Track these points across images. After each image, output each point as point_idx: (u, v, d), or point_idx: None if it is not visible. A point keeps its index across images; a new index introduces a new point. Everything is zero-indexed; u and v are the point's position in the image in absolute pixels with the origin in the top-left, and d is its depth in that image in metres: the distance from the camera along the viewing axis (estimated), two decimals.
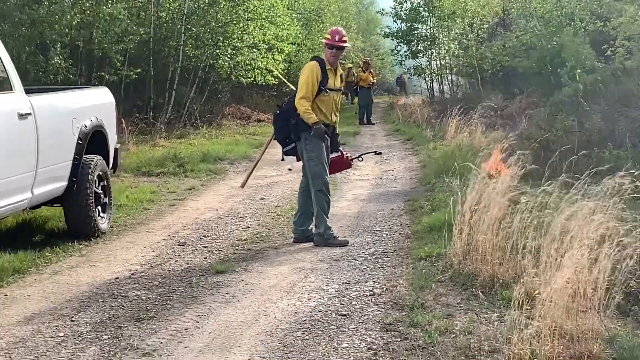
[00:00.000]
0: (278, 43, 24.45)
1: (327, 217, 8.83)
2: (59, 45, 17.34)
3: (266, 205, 11.47)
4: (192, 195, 12.44)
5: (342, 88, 9.31)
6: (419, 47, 33.99)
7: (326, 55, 8.76)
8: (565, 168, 8.00)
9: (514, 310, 5.13)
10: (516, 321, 5.04)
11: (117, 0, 18.14)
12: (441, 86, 34.75)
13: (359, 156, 10.32)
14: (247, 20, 22.61)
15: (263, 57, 23.90)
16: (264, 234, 9.45)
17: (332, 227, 8.90)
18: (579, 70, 16.61)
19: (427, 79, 34.79)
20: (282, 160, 9.60)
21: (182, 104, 22.21)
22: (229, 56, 22.16)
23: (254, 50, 23.38)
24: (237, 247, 8.80)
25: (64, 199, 9.02)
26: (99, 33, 18.16)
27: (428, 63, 34.56)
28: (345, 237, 9.04)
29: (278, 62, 24.53)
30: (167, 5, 22.36)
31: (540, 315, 5.05)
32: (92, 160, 9.25)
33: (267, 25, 23.64)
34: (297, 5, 31.37)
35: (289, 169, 9.42)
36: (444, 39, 33.50)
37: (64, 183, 8.86)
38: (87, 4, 17.41)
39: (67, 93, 9.87)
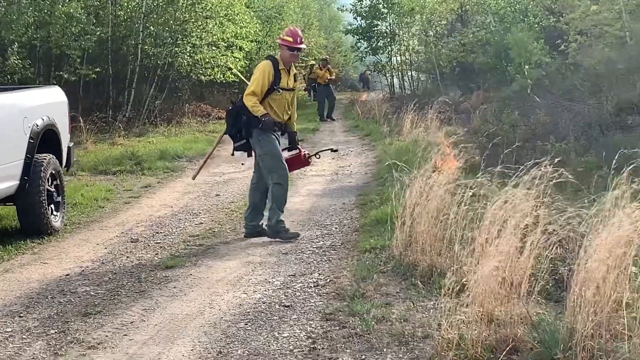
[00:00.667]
0: (237, 41, 24.51)
1: (282, 212, 8.88)
2: (15, 45, 17.32)
3: (221, 201, 11.62)
4: (148, 192, 12.56)
5: (296, 87, 9.33)
6: (378, 44, 34.27)
7: (283, 56, 8.78)
8: (504, 160, 8.22)
9: (444, 297, 5.34)
10: (446, 308, 5.25)
11: (70, 1, 18.15)
12: (401, 82, 35.08)
13: (316, 153, 10.10)
14: (206, 18, 22.68)
15: (223, 55, 23.99)
16: (216, 230, 9.61)
17: (284, 220, 8.94)
18: (527, 67, 16.91)
19: (387, 75, 35.07)
20: (232, 155, 9.46)
21: (142, 103, 22.26)
22: (187, 54, 22.20)
23: (213, 48, 23.46)
24: (188, 243, 8.95)
25: (16, 198, 9.10)
26: (55, 32, 18.15)
27: (388, 59, 34.85)
28: (296, 231, 9.11)
29: (237, 59, 24.58)
30: (125, 4, 22.36)
31: (469, 303, 5.26)
32: (45, 159, 9.34)
33: (226, 23, 23.69)
34: (256, 3, 31.40)
35: (242, 164, 9.37)
36: (404, 35, 33.78)
37: (16, 182, 8.92)
38: (43, 3, 17.36)
39: (18, 93, 9.94)
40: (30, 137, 9.14)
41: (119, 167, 14.84)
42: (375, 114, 23.98)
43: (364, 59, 36.03)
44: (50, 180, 9.52)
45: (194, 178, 10.81)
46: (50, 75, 19.58)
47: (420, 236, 7.14)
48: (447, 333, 5.13)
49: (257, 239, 9.02)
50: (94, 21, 20.35)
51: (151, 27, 22.21)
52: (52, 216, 9.49)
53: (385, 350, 5.36)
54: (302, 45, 8.82)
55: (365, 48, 34.89)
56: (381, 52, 34.69)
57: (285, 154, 9.06)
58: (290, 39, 8.70)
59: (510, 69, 17.87)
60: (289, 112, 9.10)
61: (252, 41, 27.89)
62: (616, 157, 6.46)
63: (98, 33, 19.96)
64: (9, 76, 17.19)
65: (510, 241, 5.43)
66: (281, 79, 8.71)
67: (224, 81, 26.22)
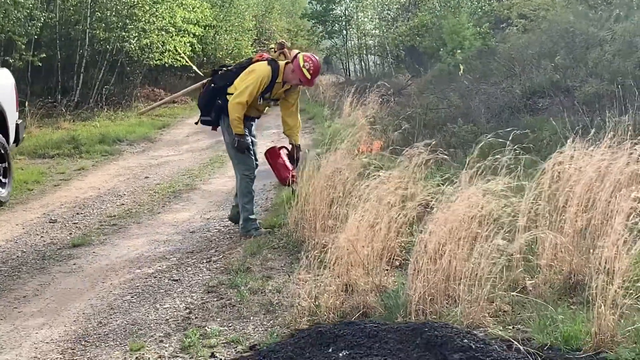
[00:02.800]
0: (186, 25, 24.73)
1: (251, 209, 8.25)
2: None
3: (148, 183, 11.94)
4: (80, 175, 12.85)
5: (289, 96, 8.30)
6: (334, 28, 34.61)
7: (290, 76, 7.93)
8: (408, 141, 8.67)
9: (303, 269, 5.76)
10: (305, 278, 5.68)
11: None
12: (355, 66, 35.47)
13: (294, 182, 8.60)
14: (154, 3, 22.87)
15: (172, 40, 24.20)
16: (134, 211, 9.95)
17: (255, 218, 8.33)
18: (459, 51, 17.36)
19: (342, 59, 35.43)
20: (196, 124, 8.66)
21: (91, 87, 22.44)
22: (135, 39, 22.40)
23: (163, 33, 23.67)
24: (103, 223, 9.29)
25: None
26: (0, 18, 18.29)
27: (343, 43, 35.20)
28: (265, 229, 8.35)
29: (186, 44, 24.79)
30: None
31: (326, 274, 5.69)
32: None
33: (175, 8, 23.90)
34: None
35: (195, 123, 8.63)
36: (358, 19, 34.13)
37: None
38: None
39: None
40: None
41: (58, 150, 15.08)
42: (322, 97, 24.33)
43: (319, 42, 36.28)
44: None
45: (141, 114, 10.85)
46: None
47: (308, 214, 7.55)
48: (303, 301, 5.56)
49: (169, 217, 9.39)
50: (40, 6, 20.46)
51: (99, 12, 22.33)
52: None
53: (252, 318, 5.78)
54: (311, 84, 8.17)
55: (320, 32, 35.14)
56: (337, 36, 34.98)
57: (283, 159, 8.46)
58: (309, 77, 7.83)
59: (441, 53, 18.29)
60: (262, 114, 8.53)
61: (205, 26, 28.12)
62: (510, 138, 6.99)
63: (44, 19, 20.10)
64: None
65: (365, 216, 5.85)
66: (273, 90, 7.98)
67: (180, 65, 26.44)
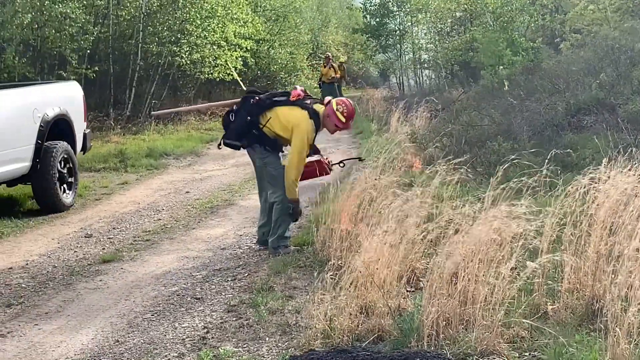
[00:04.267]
0: (237, 40, 24.88)
1: (287, 230, 8.15)
2: (12, 44, 17.82)
3: (187, 198, 11.98)
4: (122, 189, 12.96)
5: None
6: (387, 42, 34.55)
7: (327, 124, 7.92)
8: (447, 157, 8.55)
9: (320, 290, 5.69)
10: (319, 299, 5.60)
11: (71, 0, 18.53)
12: (410, 80, 35.36)
13: (341, 162, 8.81)
14: (206, 18, 23.06)
15: (224, 54, 24.37)
16: (169, 226, 9.98)
17: (289, 234, 8.25)
18: (501, 67, 17.15)
19: (396, 73, 35.35)
20: (219, 147, 8.41)
21: (143, 101, 22.71)
22: (186, 53, 22.61)
23: (214, 47, 23.85)
24: (137, 238, 9.33)
25: (31, 178, 10.71)
26: (52, 32, 18.59)
27: (397, 57, 35.12)
28: (294, 247, 8.21)
29: (238, 58, 24.94)
30: (128, 4, 22.81)
31: (341, 295, 5.61)
32: (56, 145, 10.95)
33: (227, 23, 24.07)
34: (263, 2, 31.74)
35: (219, 147, 8.37)
36: (413, 34, 34.04)
37: (27, 164, 10.50)
38: (39, 3, 17.78)
39: (27, 88, 11.64)
40: (41, 126, 10.70)
41: (104, 164, 15.27)
42: (371, 112, 24.27)
43: (373, 57, 36.26)
44: (63, 163, 11.13)
45: (156, 116, 10.72)
46: (53, 74, 20.02)
47: (335, 232, 7.47)
48: (319, 322, 5.47)
49: (203, 233, 9.39)
50: (93, 21, 20.78)
51: (152, 27, 22.59)
52: (64, 194, 11.12)
53: (267, 339, 5.71)
54: (348, 127, 8.16)
55: (374, 46, 35.12)
56: (391, 50, 34.93)
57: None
58: (344, 121, 7.84)
59: (483, 73, 18.13)
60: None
61: (258, 40, 28.28)
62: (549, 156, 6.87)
63: (96, 33, 20.41)
64: (5, 74, 17.68)
65: (385, 237, 5.76)
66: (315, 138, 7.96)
67: (231, 79, 26.62)
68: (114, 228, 9.97)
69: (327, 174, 8.46)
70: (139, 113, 22.30)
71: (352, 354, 4.05)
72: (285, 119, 7.78)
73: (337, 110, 7.77)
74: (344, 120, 7.79)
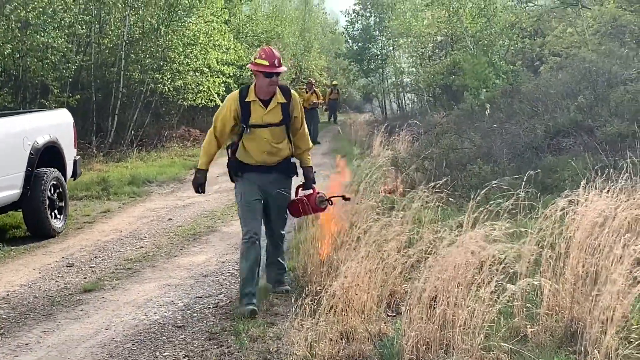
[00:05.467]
0: (219, 66, 24.97)
1: (242, 285, 7.05)
2: None
3: (170, 225, 11.96)
4: (105, 218, 12.92)
5: (294, 118, 7.17)
6: (370, 66, 34.76)
7: (259, 85, 6.88)
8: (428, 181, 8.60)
9: (299, 316, 5.69)
10: (298, 326, 5.61)
11: (53, 29, 18.55)
12: (392, 104, 35.55)
13: (329, 199, 7.59)
14: (188, 45, 23.16)
15: (207, 80, 24.46)
16: (151, 254, 9.95)
17: (246, 294, 6.98)
18: (484, 90, 17.29)
19: (379, 97, 35.54)
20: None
21: (126, 128, 22.72)
22: (168, 80, 22.66)
23: (197, 74, 23.93)
24: (119, 267, 9.30)
25: (22, 204, 10.88)
26: (34, 62, 18.60)
27: (380, 82, 35.33)
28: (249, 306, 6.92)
29: (220, 84, 25.04)
30: (110, 32, 22.87)
31: (320, 321, 5.61)
32: (46, 172, 11.17)
33: (209, 50, 24.16)
34: (245, 28, 31.92)
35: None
36: (395, 58, 34.26)
37: (18, 191, 10.71)
38: (19, 34, 17.80)
39: (18, 117, 11.85)
40: (31, 153, 10.95)
41: (87, 192, 15.21)
42: (354, 136, 24.38)
43: (355, 81, 36.47)
44: (53, 189, 11.34)
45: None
46: (36, 103, 20.01)
47: (315, 258, 7.49)
48: (299, 349, 5.48)
49: (185, 260, 9.37)
50: (75, 49, 20.83)
51: (134, 55, 22.65)
52: (55, 220, 11.32)
53: None
54: (282, 69, 6.83)
55: (357, 70, 35.34)
56: (373, 74, 35.14)
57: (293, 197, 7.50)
58: (266, 62, 6.75)
59: (465, 95, 18.30)
60: (281, 151, 7.19)
61: (240, 66, 28.42)
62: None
63: (79, 62, 20.45)
64: None
65: (363, 262, 5.78)
66: (251, 113, 6.90)
67: (214, 105, 26.72)
68: (95, 257, 9.93)
69: (320, 211, 7.59)
70: (122, 140, 22.31)
71: None
72: None
73: (255, 59, 6.87)
74: (265, 62, 6.73)
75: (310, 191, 7.51)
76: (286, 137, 7.18)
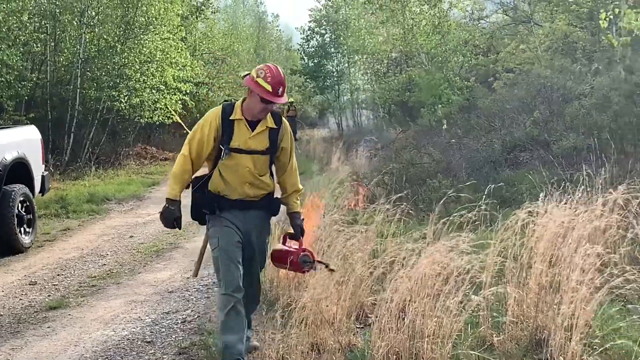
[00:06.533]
0: (176, 83, 24.98)
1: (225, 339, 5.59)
2: None
3: (132, 243, 11.97)
4: (65, 236, 12.87)
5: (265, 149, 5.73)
6: (326, 83, 35.01)
7: (250, 105, 5.62)
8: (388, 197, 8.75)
9: (273, 327, 5.78)
10: (270, 338, 5.70)
11: (8, 47, 18.47)
12: (348, 120, 35.80)
13: (314, 264, 5.98)
14: (144, 62, 23.15)
15: (164, 98, 24.46)
16: (115, 271, 9.96)
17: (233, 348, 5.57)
18: (440, 106, 17.58)
19: (335, 113, 35.80)
20: None
21: (82, 146, 22.61)
22: (125, 98, 22.62)
23: (153, 91, 23.92)
24: (83, 284, 9.30)
25: None
26: None
27: (335, 98, 35.59)
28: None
29: (177, 101, 25.05)
30: (65, 50, 22.78)
31: (291, 333, 5.71)
32: (14, 189, 11.30)
33: (165, 67, 24.17)
34: (200, 45, 32.00)
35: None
36: (350, 75, 34.56)
37: None
38: None
39: None
40: None
41: (45, 210, 15.11)
42: (312, 152, 24.55)
43: (311, 98, 36.71)
44: (20, 205, 11.44)
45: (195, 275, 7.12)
46: None
47: (282, 271, 7.58)
48: None
49: (149, 277, 9.40)
50: (30, 67, 20.72)
51: (90, 72, 22.57)
52: (23, 235, 11.47)
53: None
54: (284, 99, 5.59)
55: (312, 87, 35.56)
56: (329, 91, 35.39)
57: (279, 246, 6.30)
58: (269, 88, 5.47)
59: (422, 112, 18.61)
60: (264, 184, 5.80)
61: (197, 83, 28.47)
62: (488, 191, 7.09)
63: (34, 79, 20.35)
64: None
65: (331, 276, 5.90)
66: (234, 134, 5.65)
67: (172, 122, 26.72)
68: (58, 275, 9.91)
69: (300, 271, 6.12)
70: (78, 159, 22.18)
71: None
72: None
73: (258, 78, 5.51)
74: (269, 88, 5.46)
75: (296, 245, 6.06)
76: (269, 170, 5.81)
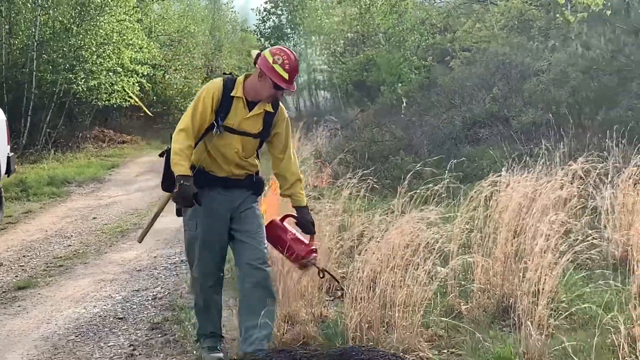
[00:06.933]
0: (133, 66, 24.84)
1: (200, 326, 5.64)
2: None
3: (95, 224, 11.98)
4: (27, 218, 12.83)
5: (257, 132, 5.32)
6: None
7: (257, 86, 5.22)
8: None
9: None
10: None
11: None
12: (305, 101, 35.87)
13: (323, 270, 5.62)
14: (101, 44, 22.98)
15: (121, 80, 24.32)
16: (81, 251, 9.98)
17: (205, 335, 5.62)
18: (400, 85, 17.74)
19: (292, 95, 35.81)
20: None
21: (39, 130, 22.43)
22: (81, 80, 22.46)
23: (110, 74, 23.77)
24: (50, 265, 9.31)
25: None
26: None
27: None
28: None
29: (135, 84, 24.92)
30: (20, 33, 22.54)
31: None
32: None
33: (122, 49, 24.02)
34: (156, 27, 31.80)
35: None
36: (307, 55, 34.59)
37: None
38: None
39: None
40: None
41: (5, 193, 14.92)
42: None
43: None
44: None
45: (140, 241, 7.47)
46: None
47: None
48: None
49: (116, 256, 9.45)
50: None
51: (46, 55, 22.36)
52: None
53: (195, 352, 5.86)
54: (293, 87, 5.31)
55: None
56: None
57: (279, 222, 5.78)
58: (286, 76, 5.16)
59: (382, 89, 18.77)
60: (250, 165, 5.44)
61: (154, 66, 28.32)
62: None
63: None
64: None
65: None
66: (230, 111, 5.27)
67: (129, 105, 26.59)
68: (24, 256, 9.90)
69: (302, 261, 5.56)
70: (36, 142, 22.01)
71: (290, 353, 4.27)
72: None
73: (274, 63, 5.16)
74: (286, 76, 5.16)
75: (307, 238, 5.62)
76: (256, 152, 5.47)
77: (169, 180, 5.25)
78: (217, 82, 5.27)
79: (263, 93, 5.22)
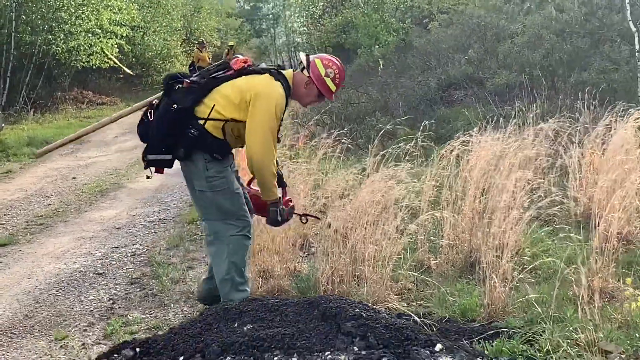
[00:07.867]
0: (112, 27, 24.77)
1: (244, 280, 5.33)
2: None
3: (75, 184, 12.09)
4: (7, 178, 12.91)
5: None
6: (262, 26, 34.98)
7: (302, 92, 5.29)
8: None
9: None
10: None
11: None
12: (284, 63, 35.83)
13: (304, 215, 5.81)
14: (80, 5, 22.90)
15: (100, 41, 24.26)
16: (61, 210, 10.12)
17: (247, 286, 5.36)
18: (377, 47, 17.84)
19: (271, 56, 35.82)
20: (148, 177, 5.36)
21: (18, 91, 22.39)
22: (61, 42, 22.40)
23: (89, 35, 23.70)
24: (30, 223, 9.45)
25: None
26: None
27: (272, 42, 35.60)
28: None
29: (114, 45, 24.87)
30: None
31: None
32: None
33: (101, 10, 23.94)
34: None
35: (148, 177, 5.36)
36: (286, 17, 34.54)
37: None
38: None
39: None
40: None
41: None
42: None
43: (248, 41, 36.61)
44: None
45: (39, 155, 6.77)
46: None
47: None
48: None
49: (96, 215, 9.60)
50: None
51: (24, 16, 22.27)
52: None
53: (172, 305, 6.06)
54: (333, 99, 5.58)
55: (248, 30, 35.47)
56: (265, 34, 35.36)
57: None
58: (334, 89, 5.33)
59: (360, 52, 18.87)
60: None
61: (133, 27, 28.21)
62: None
63: None
64: None
65: None
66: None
67: (108, 66, 26.51)
68: (4, 214, 10.02)
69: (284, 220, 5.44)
70: (15, 103, 21.99)
71: (262, 302, 4.46)
72: (240, 90, 5.07)
73: (326, 76, 5.24)
74: (334, 89, 5.33)
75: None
76: None
77: (166, 139, 5.16)
78: (280, 92, 5.06)
79: (306, 99, 5.39)
